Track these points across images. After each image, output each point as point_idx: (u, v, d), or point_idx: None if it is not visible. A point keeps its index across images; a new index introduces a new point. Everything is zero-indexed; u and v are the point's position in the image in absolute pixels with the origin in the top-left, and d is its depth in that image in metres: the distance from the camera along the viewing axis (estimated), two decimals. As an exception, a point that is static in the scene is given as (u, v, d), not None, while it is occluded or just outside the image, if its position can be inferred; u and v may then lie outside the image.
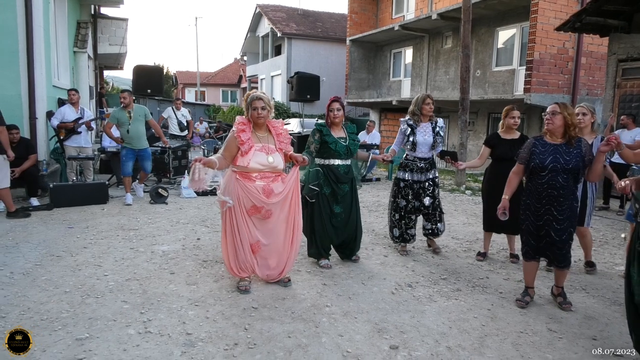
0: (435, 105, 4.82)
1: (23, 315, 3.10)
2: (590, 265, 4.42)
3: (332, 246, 4.42)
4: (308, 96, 11.11)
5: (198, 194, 7.59)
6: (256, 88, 29.59)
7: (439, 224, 4.79)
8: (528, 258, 3.53)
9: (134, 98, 7.25)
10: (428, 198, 4.66)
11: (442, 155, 4.62)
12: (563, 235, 3.32)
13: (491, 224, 4.54)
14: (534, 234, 3.42)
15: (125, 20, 13.91)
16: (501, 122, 4.59)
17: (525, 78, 11.32)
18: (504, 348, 2.89)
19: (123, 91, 7.13)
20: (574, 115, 3.31)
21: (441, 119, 4.78)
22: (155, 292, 3.60)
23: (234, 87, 39.96)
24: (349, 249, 4.45)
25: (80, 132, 7.43)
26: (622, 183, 2.70)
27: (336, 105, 4.16)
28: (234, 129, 3.56)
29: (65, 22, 10.02)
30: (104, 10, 14.26)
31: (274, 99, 4.23)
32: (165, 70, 41.65)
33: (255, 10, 26.87)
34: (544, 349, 2.89)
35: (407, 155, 4.71)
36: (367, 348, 2.84)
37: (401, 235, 4.74)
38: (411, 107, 4.66)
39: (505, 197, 3.56)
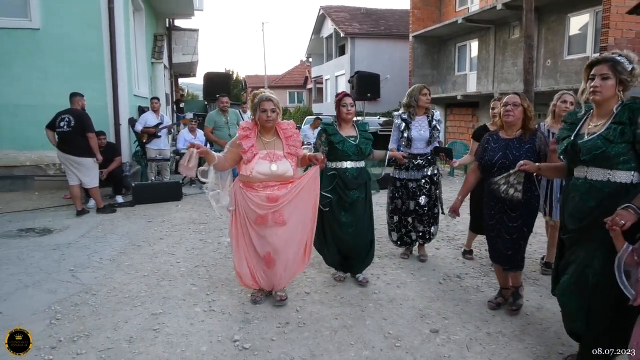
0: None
1: (109, 293, 3.62)
2: (548, 267, 4.03)
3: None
4: (368, 95, 11.30)
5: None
6: (321, 88, 30.15)
7: (432, 227, 4.39)
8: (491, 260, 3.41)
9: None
10: (424, 197, 4.27)
11: (437, 151, 4.27)
12: (514, 235, 3.10)
13: (477, 224, 4.28)
14: (489, 235, 3.27)
15: (196, 30, 14.85)
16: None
17: (599, 66, 10.67)
18: (545, 336, 2.94)
19: (223, 95, 7.45)
20: (531, 107, 3.13)
21: (437, 111, 4.41)
22: (220, 277, 4.00)
23: (300, 88, 40.86)
24: (354, 265, 3.90)
25: (160, 136, 8.19)
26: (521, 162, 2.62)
27: (349, 100, 3.76)
28: (237, 134, 3.28)
29: (144, 36, 10.96)
30: (177, 22, 15.33)
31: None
32: (235, 76, 43.43)
33: (319, 12, 27.37)
34: (588, 338, 2.90)
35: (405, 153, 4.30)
36: (409, 331, 3.02)
37: (400, 238, 4.45)
38: (406, 100, 4.33)
39: (459, 197, 3.38)
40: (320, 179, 3.43)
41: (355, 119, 3.96)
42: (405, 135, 4.24)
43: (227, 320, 3.17)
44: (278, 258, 3.27)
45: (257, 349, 2.78)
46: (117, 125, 8.09)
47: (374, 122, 13.17)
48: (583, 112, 2.48)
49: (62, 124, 6.07)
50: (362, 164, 3.82)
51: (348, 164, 3.73)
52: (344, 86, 24.04)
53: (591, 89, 2.32)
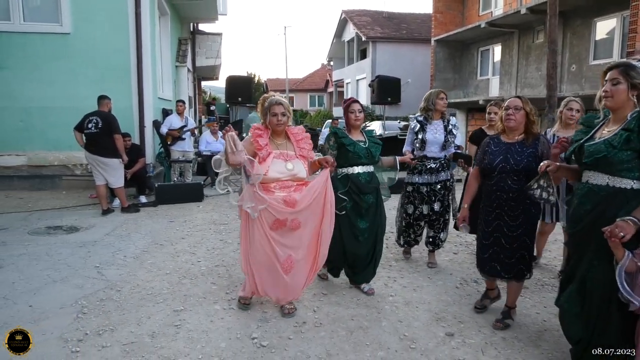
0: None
1: (133, 290, 3.74)
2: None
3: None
4: (389, 99, 11.30)
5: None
6: (342, 92, 30.21)
7: (441, 233, 4.37)
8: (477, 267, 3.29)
9: None
10: (438, 203, 4.25)
11: (456, 157, 4.20)
12: (514, 244, 2.99)
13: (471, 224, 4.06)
14: (482, 243, 3.15)
15: (219, 34, 15.08)
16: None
17: (626, 71, 10.45)
18: (562, 342, 2.91)
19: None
20: (533, 110, 3.03)
21: (454, 117, 4.31)
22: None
23: (321, 92, 41.07)
24: (358, 274, 3.76)
25: (184, 139, 8.38)
26: (543, 163, 2.54)
27: (357, 106, 3.70)
28: (249, 134, 3.23)
29: (168, 40, 11.22)
30: (201, 26, 15.59)
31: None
32: (256, 79, 43.82)
33: (341, 17, 27.48)
34: (606, 346, 2.88)
35: (415, 155, 4.26)
36: (424, 333, 3.05)
37: (407, 243, 4.53)
38: (423, 104, 4.29)
39: (465, 205, 3.20)
40: (332, 183, 3.35)
41: (364, 124, 3.95)
42: (420, 137, 4.23)
43: (245, 319, 3.24)
44: (296, 260, 3.18)
45: (274, 347, 2.85)
46: (141, 127, 8.31)
47: (394, 127, 13.17)
48: (602, 117, 2.49)
49: (90, 125, 6.27)
50: (372, 168, 3.75)
51: (359, 169, 3.66)
52: (365, 90, 24.05)
53: (603, 94, 2.33)
